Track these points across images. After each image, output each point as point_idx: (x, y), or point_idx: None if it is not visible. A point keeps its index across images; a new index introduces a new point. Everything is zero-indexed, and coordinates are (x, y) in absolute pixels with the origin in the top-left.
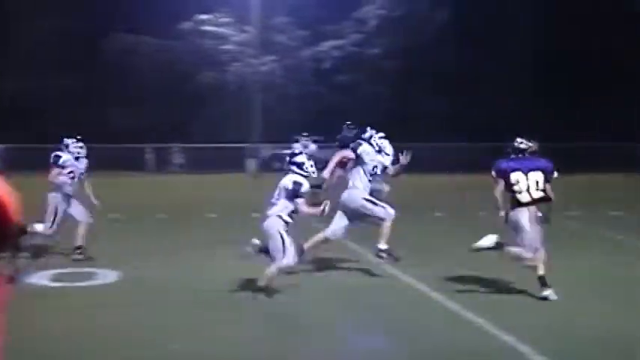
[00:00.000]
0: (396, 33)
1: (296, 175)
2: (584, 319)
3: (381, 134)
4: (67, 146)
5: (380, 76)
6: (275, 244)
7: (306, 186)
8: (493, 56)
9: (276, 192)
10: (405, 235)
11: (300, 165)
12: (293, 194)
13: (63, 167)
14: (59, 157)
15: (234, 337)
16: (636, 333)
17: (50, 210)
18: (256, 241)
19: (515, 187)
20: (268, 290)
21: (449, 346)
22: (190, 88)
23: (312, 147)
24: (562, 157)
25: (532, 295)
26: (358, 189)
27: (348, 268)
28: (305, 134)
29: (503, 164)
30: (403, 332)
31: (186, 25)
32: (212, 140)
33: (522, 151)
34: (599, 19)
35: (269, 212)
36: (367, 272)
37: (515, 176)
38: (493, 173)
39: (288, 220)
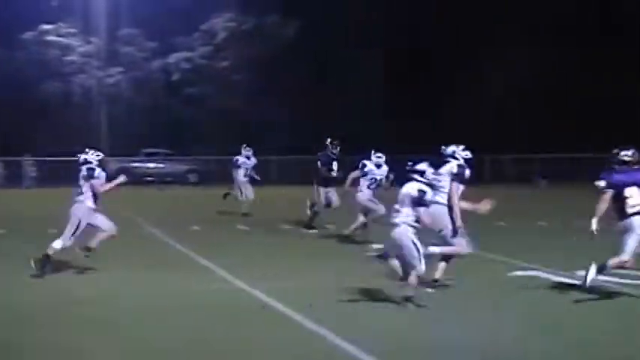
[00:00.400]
0: (245, 45)
1: (419, 183)
2: (427, 326)
3: (462, 146)
4: (85, 161)
5: (230, 88)
6: (410, 253)
7: (429, 194)
8: (343, 67)
9: (399, 199)
10: (254, 247)
11: (422, 173)
12: (418, 202)
13: (94, 179)
14: (93, 169)
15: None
16: (475, 340)
17: (73, 221)
18: (376, 247)
19: (629, 201)
20: (414, 298)
21: (288, 354)
22: (35, 100)
23: (253, 159)
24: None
25: (376, 303)
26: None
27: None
28: (245, 145)
29: (615, 177)
30: (238, 347)
31: (29, 35)
32: (59, 153)
33: (626, 162)
34: (444, 28)
35: (396, 220)
36: (215, 286)
37: (629, 191)
38: (602, 184)
39: (416, 225)
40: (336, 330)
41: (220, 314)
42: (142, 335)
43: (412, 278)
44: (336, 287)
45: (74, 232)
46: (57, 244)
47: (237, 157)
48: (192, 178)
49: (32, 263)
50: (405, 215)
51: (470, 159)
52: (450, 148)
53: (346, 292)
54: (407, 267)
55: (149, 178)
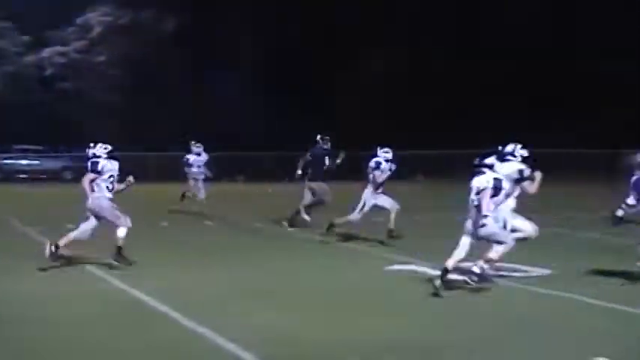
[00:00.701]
0: (122, 40)
1: (492, 173)
2: (307, 325)
3: (520, 145)
4: (94, 155)
5: (106, 83)
6: (499, 236)
7: (504, 182)
8: (219, 65)
9: (474, 193)
10: (133, 245)
11: (491, 167)
12: (494, 190)
13: (100, 173)
14: (97, 162)
15: None
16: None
17: (110, 212)
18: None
19: None
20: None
21: (166, 355)
22: None
23: (204, 155)
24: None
25: (257, 302)
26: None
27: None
28: (193, 141)
29: None
30: (116, 347)
31: None
32: None
33: None
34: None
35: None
36: (92, 286)
37: None
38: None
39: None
40: (217, 329)
41: (98, 314)
42: (18, 336)
43: (492, 254)
44: (220, 285)
45: (123, 215)
46: (121, 232)
47: (188, 155)
48: (67, 175)
49: (114, 260)
50: (485, 209)
51: (528, 157)
52: (509, 147)
53: (231, 290)
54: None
55: (22, 175)
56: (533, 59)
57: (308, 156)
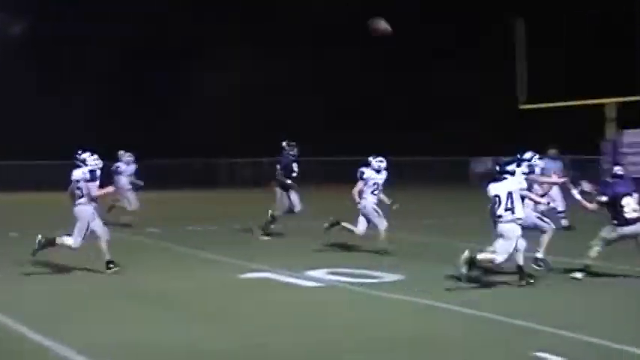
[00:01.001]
0: None
1: (518, 178)
2: (157, 334)
3: (537, 155)
4: (84, 161)
5: None
6: (506, 246)
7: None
8: (66, 69)
9: (504, 200)
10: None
11: (512, 173)
12: (527, 190)
13: (95, 181)
14: (94, 171)
15: None
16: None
17: (82, 225)
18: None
19: (626, 209)
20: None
21: None
22: None
23: (133, 165)
24: (154, 173)
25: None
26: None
27: None
28: (123, 151)
29: (615, 189)
30: None
31: None
32: None
33: (620, 176)
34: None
35: (510, 218)
36: None
37: (626, 200)
38: (604, 199)
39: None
40: (65, 341)
41: None
42: None
43: (488, 256)
44: (66, 296)
45: (84, 236)
46: (68, 240)
47: (118, 164)
48: None
49: (38, 239)
50: (519, 212)
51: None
52: (528, 154)
53: (77, 300)
54: (491, 251)
55: None
56: None
57: (279, 171)
